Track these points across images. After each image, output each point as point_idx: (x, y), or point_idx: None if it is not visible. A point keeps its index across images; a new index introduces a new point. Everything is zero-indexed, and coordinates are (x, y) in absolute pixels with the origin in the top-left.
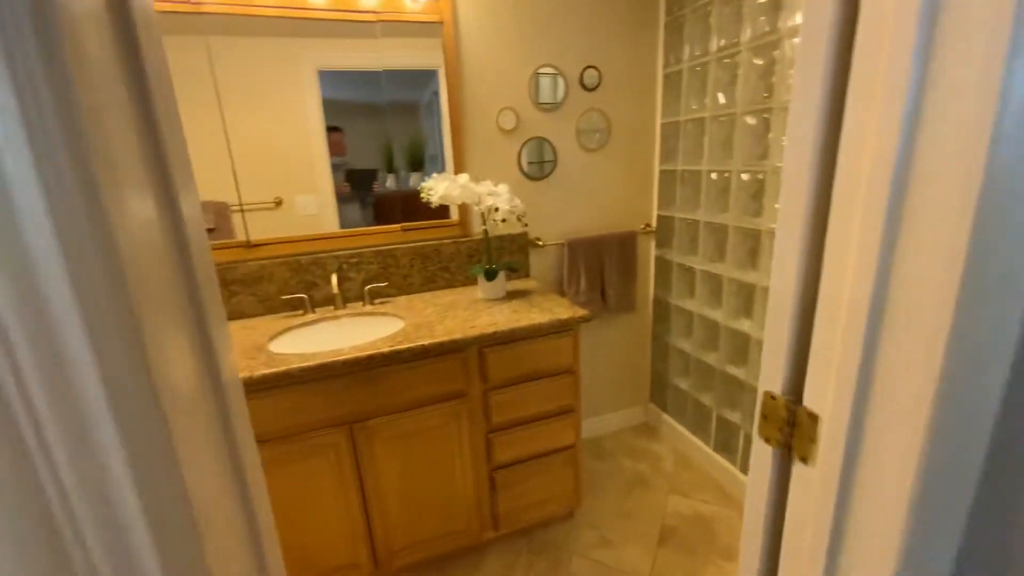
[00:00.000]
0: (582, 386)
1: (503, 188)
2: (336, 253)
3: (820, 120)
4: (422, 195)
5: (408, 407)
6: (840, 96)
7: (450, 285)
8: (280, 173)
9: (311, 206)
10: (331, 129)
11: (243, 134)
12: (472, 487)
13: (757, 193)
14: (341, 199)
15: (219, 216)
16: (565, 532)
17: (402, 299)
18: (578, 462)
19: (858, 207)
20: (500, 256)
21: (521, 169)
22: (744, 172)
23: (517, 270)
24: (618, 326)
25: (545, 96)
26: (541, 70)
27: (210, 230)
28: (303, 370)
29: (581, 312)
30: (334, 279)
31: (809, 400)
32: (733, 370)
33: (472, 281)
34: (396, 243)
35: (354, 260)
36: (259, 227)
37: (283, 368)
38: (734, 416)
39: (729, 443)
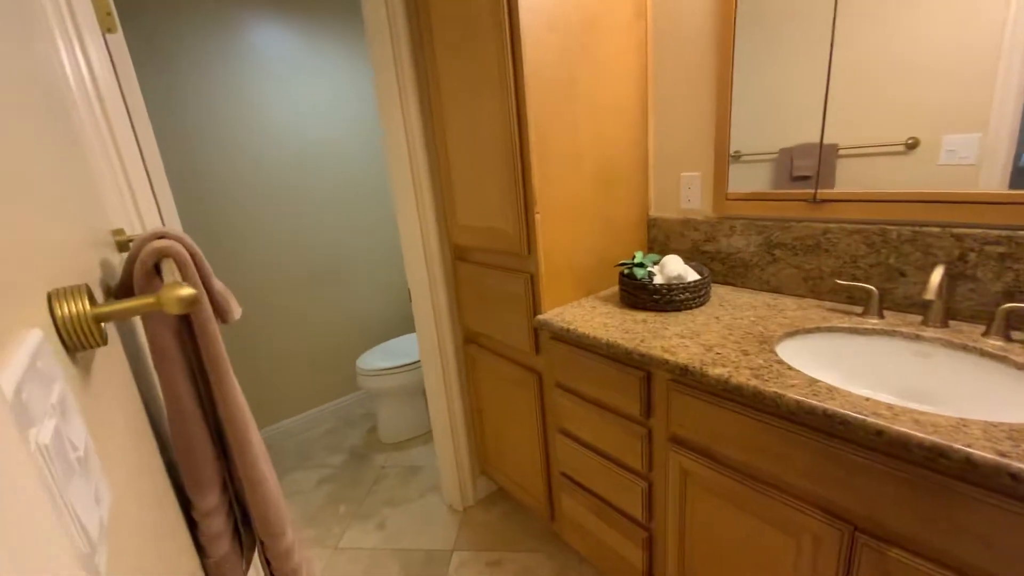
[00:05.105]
0: None
1: None
2: (959, 230)
3: None
4: None
5: None
6: None
7: None
8: (924, 101)
9: (967, 150)
10: None
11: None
12: None
13: None
14: None
15: (823, 162)
16: None
17: None
18: None
19: None
20: None
21: None
22: None
23: None
24: None
25: None
26: None
27: (803, 178)
28: (808, 409)
29: None
30: (936, 274)
31: None
32: None
33: None
34: None
35: (997, 248)
36: (874, 178)
37: (771, 389)
38: None
39: None
